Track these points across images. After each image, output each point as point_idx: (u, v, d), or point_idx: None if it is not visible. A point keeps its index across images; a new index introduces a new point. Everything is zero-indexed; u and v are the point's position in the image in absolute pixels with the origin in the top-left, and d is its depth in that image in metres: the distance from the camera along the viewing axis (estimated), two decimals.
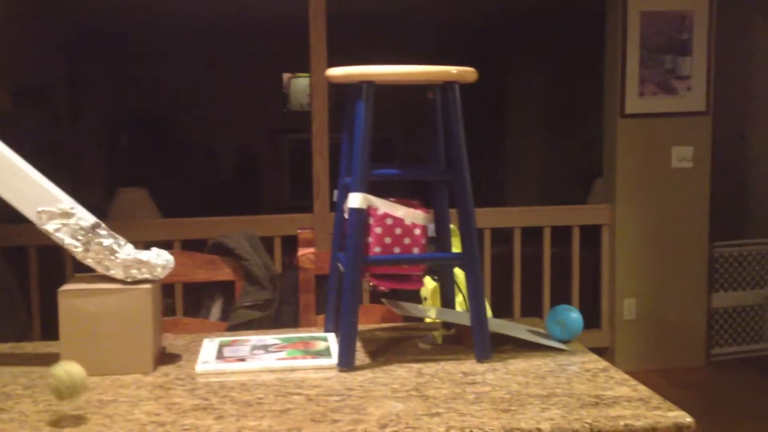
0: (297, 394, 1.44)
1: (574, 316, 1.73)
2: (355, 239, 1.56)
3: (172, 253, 1.65)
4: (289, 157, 8.85)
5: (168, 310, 3.98)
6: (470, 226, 1.62)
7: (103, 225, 1.59)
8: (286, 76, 9.01)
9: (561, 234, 4.69)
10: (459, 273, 2.10)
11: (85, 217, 1.57)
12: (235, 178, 9.09)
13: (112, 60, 7.91)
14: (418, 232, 1.64)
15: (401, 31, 7.81)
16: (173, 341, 1.80)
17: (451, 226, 1.81)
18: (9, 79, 5.49)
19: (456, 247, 2.00)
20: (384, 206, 1.62)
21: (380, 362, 1.62)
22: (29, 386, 1.50)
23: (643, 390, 1.45)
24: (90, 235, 1.56)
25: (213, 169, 8.99)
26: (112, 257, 1.57)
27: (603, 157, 4.81)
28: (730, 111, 5.24)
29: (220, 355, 1.64)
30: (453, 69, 1.59)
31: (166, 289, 2.58)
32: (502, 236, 4.69)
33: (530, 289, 4.65)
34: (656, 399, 1.40)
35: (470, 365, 1.60)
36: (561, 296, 4.62)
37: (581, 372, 1.55)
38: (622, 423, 1.30)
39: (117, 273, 1.58)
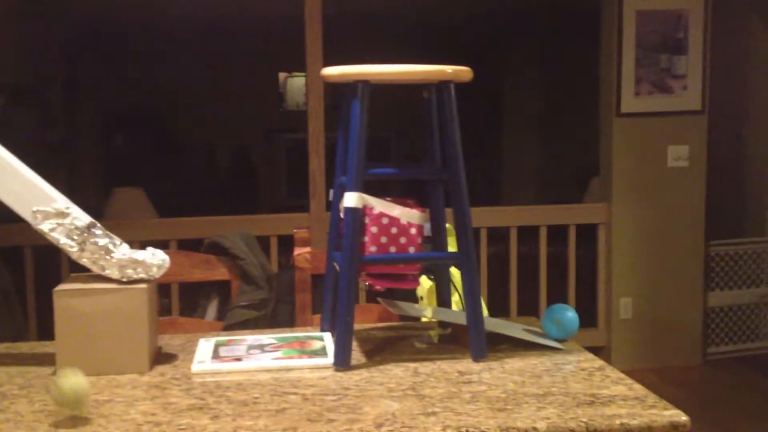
0: (293, 393, 1.44)
1: (570, 315, 1.73)
2: (351, 238, 1.56)
3: (168, 253, 1.65)
4: (285, 156, 8.85)
5: (164, 310, 3.98)
6: (466, 225, 1.62)
7: (99, 225, 1.58)
8: (282, 75, 9.01)
9: (557, 233, 4.70)
10: (455, 272, 2.10)
11: (81, 217, 1.57)
12: (231, 177, 9.08)
13: (108, 60, 7.90)
14: (413, 231, 1.64)
15: (398, 30, 7.81)
16: (169, 341, 1.80)
17: (447, 225, 1.81)
18: (5, 79, 5.48)
19: (452, 247, 2.00)
20: (380, 205, 1.62)
21: (376, 362, 1.62)
22: (25, 386, 1.50)
23: (639, 389, 1.45)
24: (85, 234, 1.56)
25: (209, 168, 8.98)
26: (108, 257, 1.57)
27: (599, 157, 4.82)
28: (726, 110, 5.25)
29: (216, 355, 1.64)
30: (448, 68, 1.59)
31: (162, 288, 2.58)
32: (498, 235, 4.69)
33: (527, 288, 4.65)
34: (652, 398, 1.41)
35: (466, 364, 1.60)
36: (557, 295, 4.63)
37: (577, 371, 1.55)
38: (617, 422, 1.30)
39: (112, 273, 1.58)
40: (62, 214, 1.56)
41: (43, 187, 1.56)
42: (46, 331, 1.71)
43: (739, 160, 5.41)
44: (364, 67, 1.56)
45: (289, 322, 2.37)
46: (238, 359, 1.61)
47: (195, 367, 1.58)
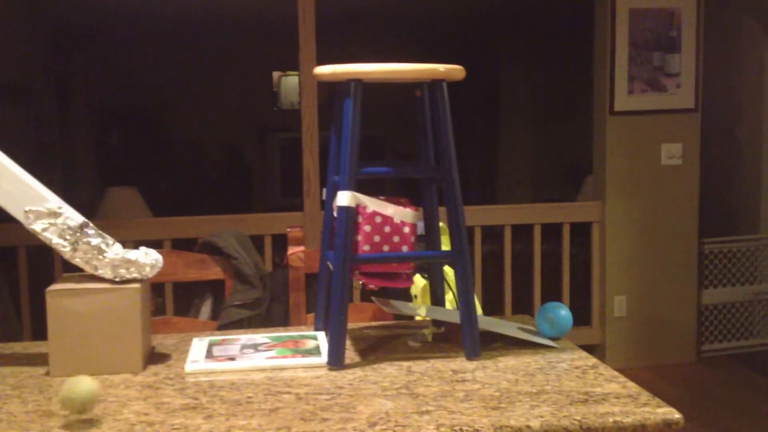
0: (287, 392, 1.44)
1: (563, 313, 1.74)
2: (344, 237, 1.56)
3: (161, 253, 1.65)
4: (279, 155, 8.83)
5: (157, 310, 3.97)
6: (459, 223, 1.62)
7: (91, 224, 1.58)
8: (276, 74, 9.00)
9: (551, 231, 4.70)
10: (449, 271, 2.10)
11: (73, 217, 1.56)
12: (225, 176, 9.08)
13: (101, 58, 7.89)
14: (407, 230, 1.64)
15: (393, 28, 7.81)
16: (162, 340, 1.80)
17: (441, 223, 1.82)
18: None
19: (446, 245, 2.00)
20: (373, 204, 1.62)
21: (370, 360, 1.62)
22: (18, 386, 1.50)
23: (632, 387, 1.46)
24: (78, 234, 1.56)
25: (203, 167, 8.97)
26: (101, 257, 1.57)
27: (593, 155, 4.82)
28: (719, 108, 5.26)
29: (209, 355, 1.64)
30: (440, 67, 1.59)
31: (155, 288, 2.57)
32: (492, 233, 4.69)
33: (521, 286, 4.65)
34: (645, 395, 1.41)
35: (460, 363, 1.60)
36: (551, 293, 4.63)
37: (571, 369, 1.55)
38: (611, 420, 1.31)
39: (105, 272, 1.57)
40: (55, 214, 1.55)
41: (36, 187, 1.56)
42: (40, 331, 1.71)
43: (732, 157, 5.43)
44: (356, 66, 1.56)
45: (283, 322, 2.37)
46: (232, 359, 1.61)
47: (188, 367, 1.58)
